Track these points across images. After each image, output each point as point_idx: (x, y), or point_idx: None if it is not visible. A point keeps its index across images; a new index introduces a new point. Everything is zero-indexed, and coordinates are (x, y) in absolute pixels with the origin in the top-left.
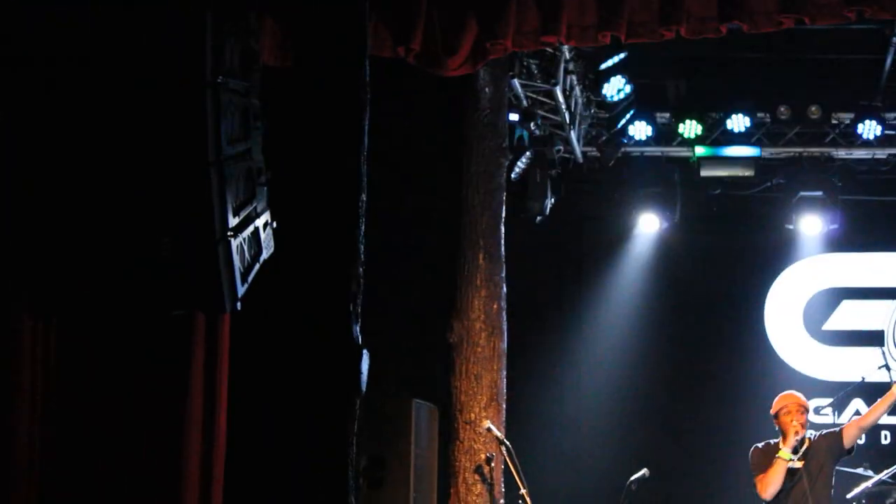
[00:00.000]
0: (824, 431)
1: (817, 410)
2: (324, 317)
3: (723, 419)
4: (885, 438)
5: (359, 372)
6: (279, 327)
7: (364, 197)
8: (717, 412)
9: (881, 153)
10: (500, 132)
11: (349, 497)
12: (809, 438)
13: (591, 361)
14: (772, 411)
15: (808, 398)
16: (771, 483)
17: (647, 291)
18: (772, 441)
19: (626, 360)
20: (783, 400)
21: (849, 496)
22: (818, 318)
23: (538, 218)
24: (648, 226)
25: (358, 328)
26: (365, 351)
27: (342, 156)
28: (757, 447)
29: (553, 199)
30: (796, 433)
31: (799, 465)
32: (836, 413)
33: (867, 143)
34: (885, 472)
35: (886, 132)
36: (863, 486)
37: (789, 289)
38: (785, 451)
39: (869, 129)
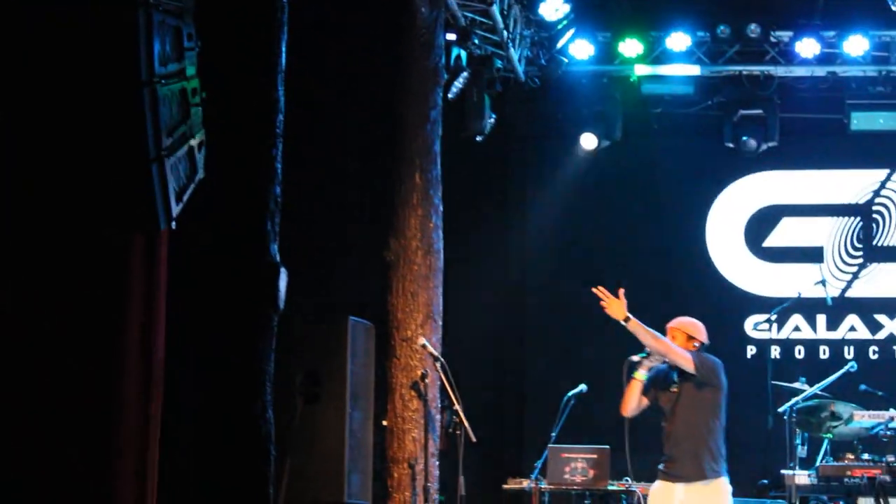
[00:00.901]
0: (712, 363)
1: (755, 326)
2: (241, 235)
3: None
4: (824, 353)
5: (276, 289)
6: (198, 245)
7: (281, 117)
8: (656, 327)
9: (820, 71)
10: (436, 52)
11: (267, 410)
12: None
13: (531, 278)
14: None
15: (748, 314)
16: (623, 402)
17: (588, 208)
18: (643, 354)
19: (567, 276)
20: (671, 322)
21: (780, 409)
22: (759, 235)
23: (478, 137)
24: (589, 143)
25: (276, 246)
26: (283, 269)
27: (257, 75)
28: (629, 359)
29: (493, 119)
30: (647, 355)
31: (676, 388)
32: (778, 328)
33: (806, 62)
34: (817, 385)
35: (825, 50)
36: (794, 399)
37: (730, 206)
38: (640, 373)
39: (808, 47)
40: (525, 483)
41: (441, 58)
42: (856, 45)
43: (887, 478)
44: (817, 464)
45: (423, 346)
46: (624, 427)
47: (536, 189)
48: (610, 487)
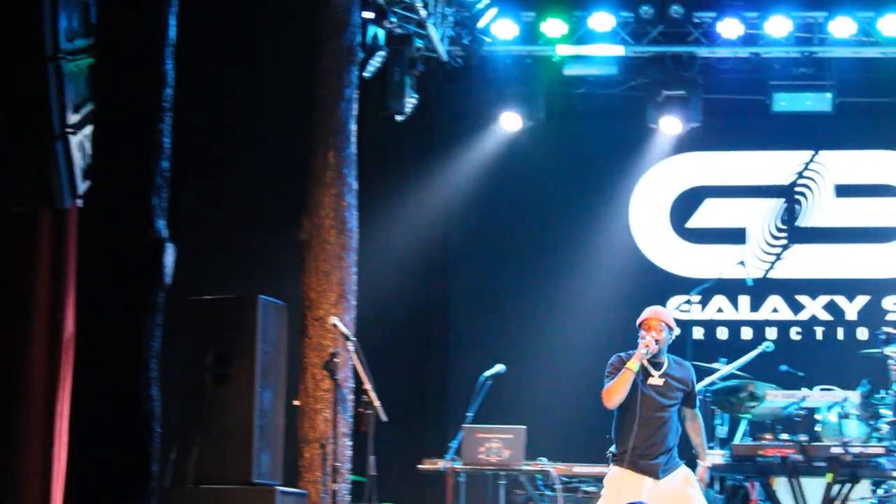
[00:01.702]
0: (692, 371)
1: (678, 307)
2: (125, 210)
3: (586, 317)
4: (746, 334)
5: (161, 265)
6: (88, 220)
7: (170, 91)
8: (580, 310)
9: (743, 52)
10: (352, 29)
11: (151, 387)
12: (678, 361)
13: (454, 259)
14: (637, 321)
15: (671, 295)
16: (615, 392)
17: (511, 190)
18: (632, 352)
19: (488, 256)
20: (646, 314)
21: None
22: (682, 216)
23: (398, 117)
24: (512, 124)
25: (163, 222)
26: (170, 244)
27: (143, 48)
28: (619, 356)
29: (415, 99)
30: (647, 346)
31: (659, 382)
32: (701, 309)
33: (729, 43)
34: (732, 365)
35: (748, 31)
36: (708, 379)
37: (654, 187)
38: (633, 363)
39: (730, 28)
40: (440, 463)
41: (357, 36)
42: (778, 26)
43: (800, 457)
44: (732, 443)
45: (335, 326)
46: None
47: (460, 170)
48: (525, 467)
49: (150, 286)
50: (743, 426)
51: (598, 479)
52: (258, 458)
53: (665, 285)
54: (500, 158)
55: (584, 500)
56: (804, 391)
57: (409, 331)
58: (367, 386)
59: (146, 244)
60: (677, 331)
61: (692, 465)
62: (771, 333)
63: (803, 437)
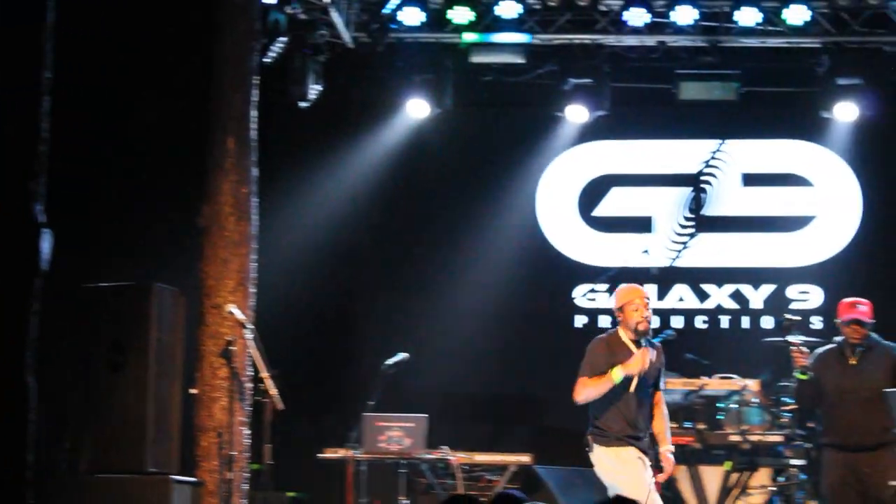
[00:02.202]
0: (662, 354)
1: (584, 295)
2: (1, 195)
3: (491, 306)
4: (654, 322)
5: (37, 251)
6: None
7: (48, 73)
8: (486, 299)
9: (650, 40)
10: (252, 15)
11: (26, 374)
12: (650, 342)
13: (360, 246)
14: (616, 304)
15: (578, 283)
16: (592, 394)
17: (418, 177)
18: (611, 331)
19: (394, 244)
20: (629, 294)
21: None
22: (589, 205)
23: (302, 103)
24: (419, 111)
25: (40, 207)
26: (47, 230)
27: (20, 30)
28: (602, 339)
29: (319, 85)
30: (642, 364)
31: (635, 372)
32: (608, 295)
33: (636, 31)
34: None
35: (655, 19)
36: None
37: (562, 175)
38: (618, 374)
39: (637, 16)
40: (341, 452)
41: (257, 21)
42: (684, 14)
43: (698, 445)
44: None
45: (231, 314)
46: None
47: (367, 157)
48: (425, 455)
49: (26, 273)
50: None
51: (500, 468)
52: (153, 446)
53: (572, 274)
54: (407, 146)
55: (486, 489)
56: (703, 379)
57: (312, 319)
58: (264, 374)
59: (20, 229)
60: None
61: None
62: (677, 322)
63: (701, 425)
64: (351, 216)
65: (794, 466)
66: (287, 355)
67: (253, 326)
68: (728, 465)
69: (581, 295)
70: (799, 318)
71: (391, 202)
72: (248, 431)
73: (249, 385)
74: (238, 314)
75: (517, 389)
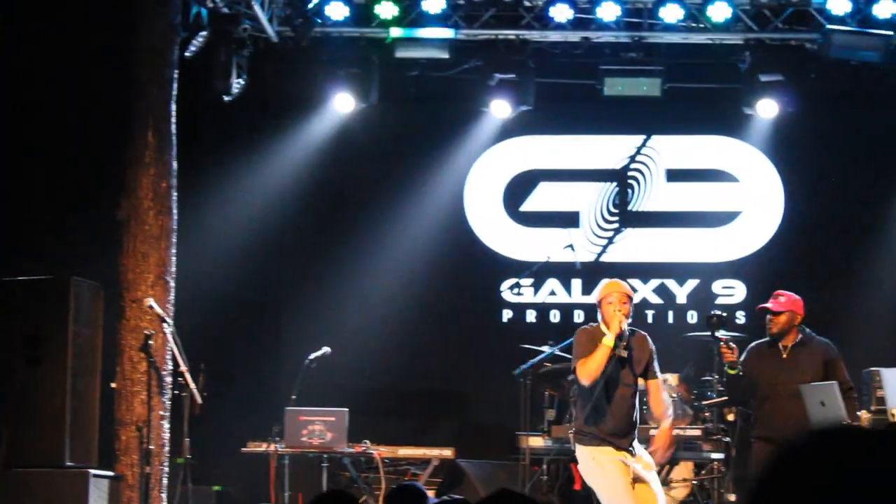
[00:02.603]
0: (649, 341)
1: (512, 289)
2: None
3: (417, 301)
4: (579, 317)
5: None
6: None
7: None
8: (412, 294)
9: (574, 36)
10: (172, 8)
11: None
12: (637, 331)
13: (281, 240)
14: (595, 299)
15: (505, 278)
16: (594, 368)
17: (345, 172)
18: (593, 324)
19: (319, 239)
20: (607, 289)
21: (514, 372)
22: (516, 200)
23: (225, 97)
24: (346, 106)
25: None
26: None
27: None
28: (585, 329)
29: (243, 79)
30: (620, 322)
31: (623, 353)
32: (534, 292)
33: (560, 27)
34: (552, 348)
35: (578, 15)
36: (530, 361)
37: (489, 170)
38: (608, 339)
39: (561, 12)
40: (264, 446)
41: (178, 16)
42: (608, 10)
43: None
44: (551, 426)
45: (151, 307)
46: None
47: (293, 152)
48: (347, 450)
49: None
50: (570, 409)
51: (423, 462)
52: (71, 440)
53: (499, 268)
54: (334, 141)
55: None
56: None
57: (236, 313)
58: (183, 368)
59: None
60: (636, 299)
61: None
62: None
63: None
64: (276, 210)
65: (715, 460)
66: (211, 350)
67: (171, 321)
68: None
69: (507, 289)
70: (725, 314)
71: (318, 197)
72: (168, 425)
73: (170, 379)
74: (157, 308)
75: (442, 384)
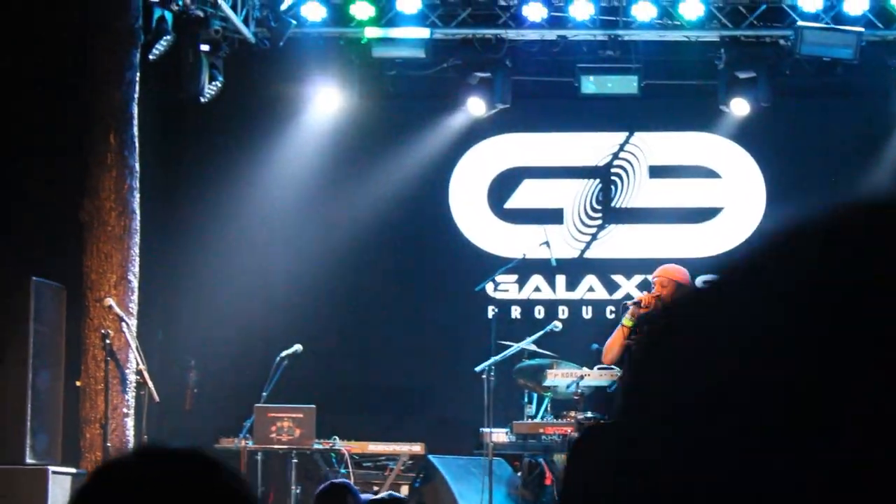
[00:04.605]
0: None
1: (498, 286)
2: None
3: (407, 296)
4: (563, 313)
5: None
6: None
7: None
8: (401, 292)
9: (550, 34)
10: (132, 13)
11: None
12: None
13: (264, 239)
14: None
15: (491, 275)
16: (609, 349)
17: (327, 172)
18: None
19: (302, 238)
20: (656, 272)
21: (476, 368)
22: (501, 197)
23: (201, 99)
24: (326, 106)
25: None
26: None
27: None
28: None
29: (217, 81)
30: (640, 299)
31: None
32: (518, 288)
33: (536, 25)
34: (520, 343)
35: (553, 14)
36: (492, 358)
37: (473, 168)
38: (627, 319)
39: (535, 11)
40: (235, 442)
41: (139, 19)
42: (580, 9)
43: (577, 435)
44: (513, 422)
45: (110, 308)
46: None
47: (273, 152)
48: (316, 446)
49: None
50: (545, 404)
51: (392, 458)
52: (33, 438)
53: (484, 265)
54: (316, 140)
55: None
56: (584, 370)
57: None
58: (142, 367)
59: None
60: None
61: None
62: (587, 312)
63: (580, 415)
64: (256, 211)
65: None
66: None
67: (130, 321)
68: None
69: (493, 287)
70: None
71: (301, 198)
72: (132, 423)
73: (133, 377)
74: (116, 308)
75: (422, 381)
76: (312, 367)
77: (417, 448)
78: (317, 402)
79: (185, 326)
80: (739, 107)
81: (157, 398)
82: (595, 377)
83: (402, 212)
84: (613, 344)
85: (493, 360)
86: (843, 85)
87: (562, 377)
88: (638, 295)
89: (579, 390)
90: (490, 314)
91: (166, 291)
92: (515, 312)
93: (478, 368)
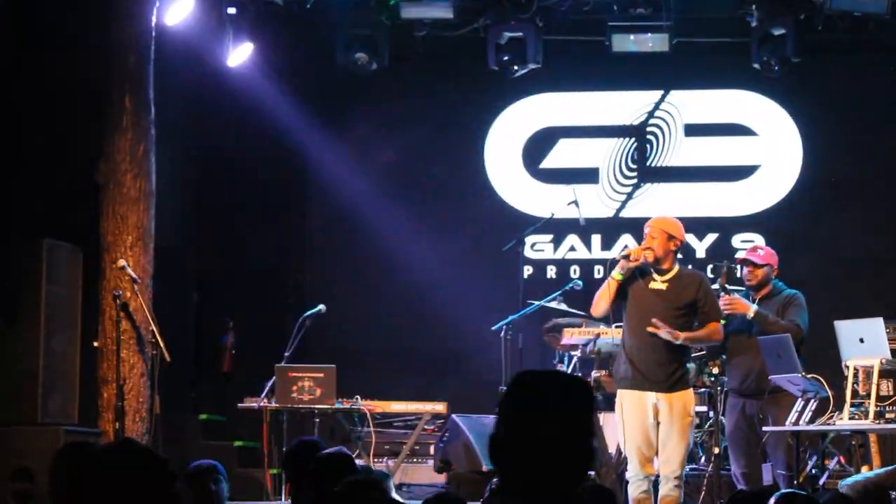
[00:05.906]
0: (701, 280)
1: (533, 246)
2: None
3: (443, 257)
4: (599, 272)
5: None
6: None
7: None
8: (438, 252)
9: None
10: None
11: None
12: (687, 271)
13: (296, 201)
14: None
15: (528, 236)
16: (596, 303)
17: (362, 135)
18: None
19: (339, 200)
20: (647, 223)
21: (494, 327)
22: (536, 157)
23: (229, 63)
24: (357, 67)
25: None
26: None
27: None
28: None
29: (244, 43)
30: (629, 253)
31: (662, 286)
32: (554, 247)
33: None
34: (538, 301)
35: None
36: (510, 317)
37: (508, 129)
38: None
39: None
40: (258, 402)
41: None
42: None
43: (598, 395)
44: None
45: (123, 269)
46: None
47: (304, 115)
48: (337, 405)
49: None
50: (573, 363)
51: (416, 416)
52: (46, 398)
53: (520, 225)
54: (347, 102)
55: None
56: (601, 328)
57: (245, 275)
58: (154, 327)
59: None
60: (682, 238)
61: None
62: None
63: (596, 374)
64: (291, 173)
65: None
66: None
67: (140, 281)
68: None
69: (529, 247)
70: (725, 266)
71: (335, 159)
72: (149, 382)
73: (150, 338)
74: (129, 270)
75: (457, 342)
76: (339, 328)
77: (440, 407)
78: (363, 363)
79: (220, 287)
80: (772, 63)
81: (168, 358)
82: (613, 334)
83: (438, 172)
84: (601, 298)
85: (509, 318)
86: (876, 41)
87: (578, 335)
88: (628, 248)
89: (596, 348)
90: (525, 274)
91: (202, 253)
92: (551, 272)
93: (495, 327)
